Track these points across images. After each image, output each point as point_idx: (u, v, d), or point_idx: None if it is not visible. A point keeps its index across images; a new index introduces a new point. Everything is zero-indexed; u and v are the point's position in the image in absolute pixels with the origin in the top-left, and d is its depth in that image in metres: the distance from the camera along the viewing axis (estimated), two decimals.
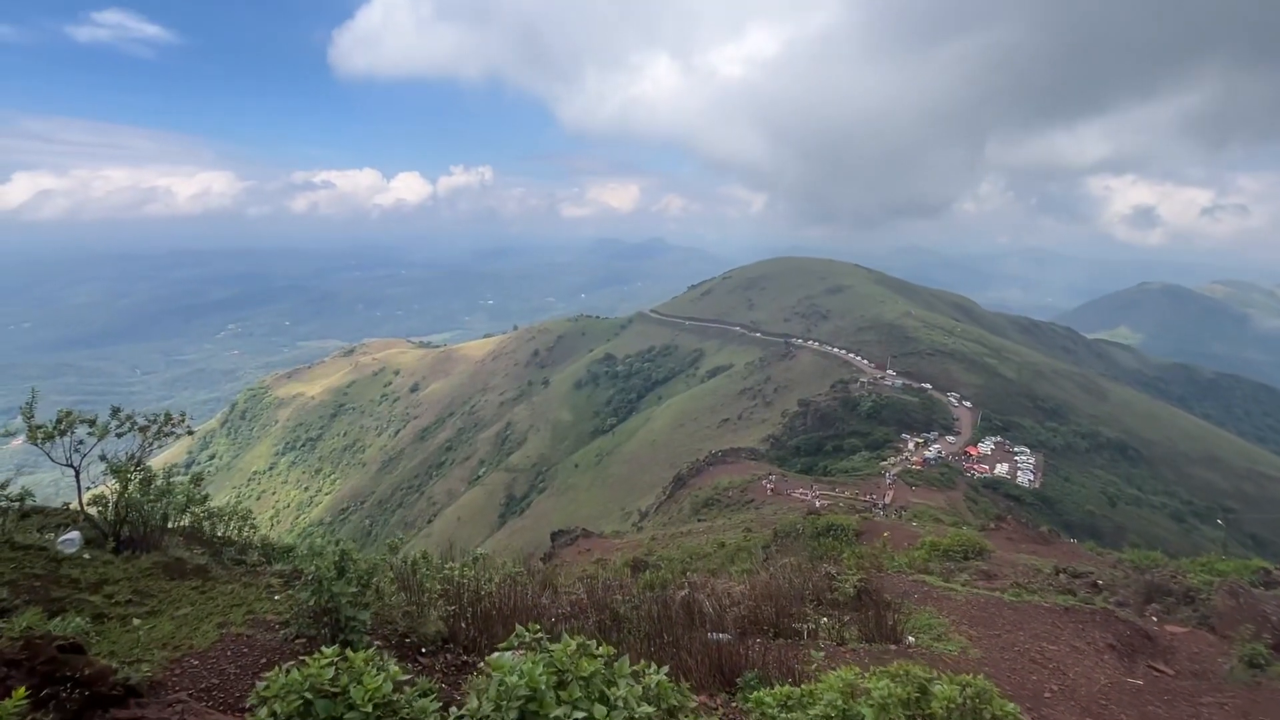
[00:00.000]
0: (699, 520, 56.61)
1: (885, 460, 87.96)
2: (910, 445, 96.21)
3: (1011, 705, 2.78)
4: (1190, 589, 11.94)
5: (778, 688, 3.17)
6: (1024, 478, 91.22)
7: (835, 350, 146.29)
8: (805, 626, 7.18)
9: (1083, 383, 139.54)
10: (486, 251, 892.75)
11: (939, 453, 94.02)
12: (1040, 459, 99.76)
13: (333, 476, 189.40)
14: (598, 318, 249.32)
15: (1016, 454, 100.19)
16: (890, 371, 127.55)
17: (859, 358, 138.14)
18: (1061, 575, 17.38)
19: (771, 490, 64.64)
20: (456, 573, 5.84)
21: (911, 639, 7.10)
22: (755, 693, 3.14)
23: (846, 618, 7.46)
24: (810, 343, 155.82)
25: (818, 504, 51.83)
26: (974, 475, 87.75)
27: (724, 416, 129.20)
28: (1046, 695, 6.27)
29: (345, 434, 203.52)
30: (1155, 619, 11.10)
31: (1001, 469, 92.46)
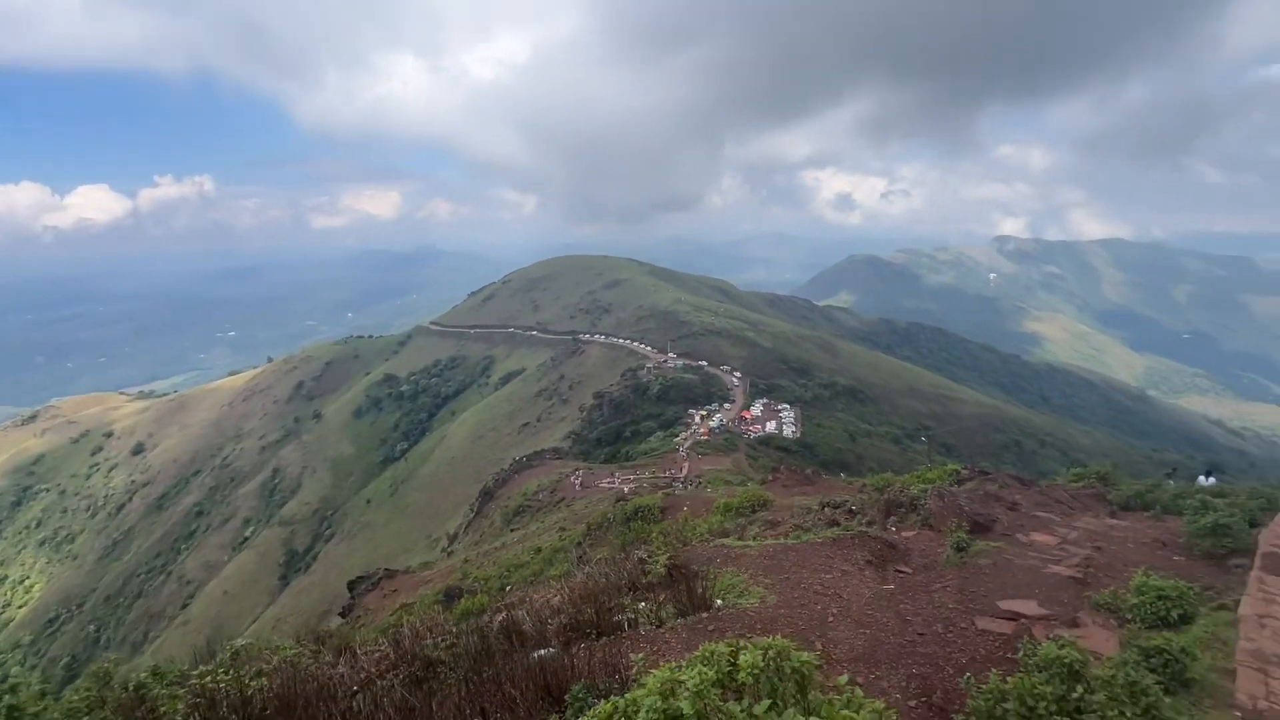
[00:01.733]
0: (512, 530, 55.17)
1: (678, 436, 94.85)
2: (697, 418, 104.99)
3: (807, 655, 3.03)
4: (914, 498, 14.72)
5: (602, 705, 3.08)
6: (788, 430, 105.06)
7: (621, 341, 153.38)
8: (625, 618, 7.27)
9: (820, 343, 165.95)
10: (219, 274, 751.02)
11: (721, 421, 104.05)
12: (799, 412, 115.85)
13: (28, 582, 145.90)
14: (371, 337, 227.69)
15: (780, 411, 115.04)
16: (671, 354, 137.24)
17: (643, 345, 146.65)
18: (826, 509, 20.27)
19: (580, 485, 65.54)
20: (209, 680, 4.67)
21: (719, 602, 7.62)
22: (580, 718, 3.02)
23: (662, 597, 7.73)
24: (597, 337, 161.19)
25: (625, 489, 53.89)
26: (751, 435, 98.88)
27: (523, 421, 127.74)
28: (830, 619, 7.21)
29: (40, 523, 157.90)
30: (895, 529, 13.53)
31: (770, 426, 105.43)
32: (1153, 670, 4.79)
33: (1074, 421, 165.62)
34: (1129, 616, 6.49)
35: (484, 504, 77.02)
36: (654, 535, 11.47)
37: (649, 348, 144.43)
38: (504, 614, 8.67)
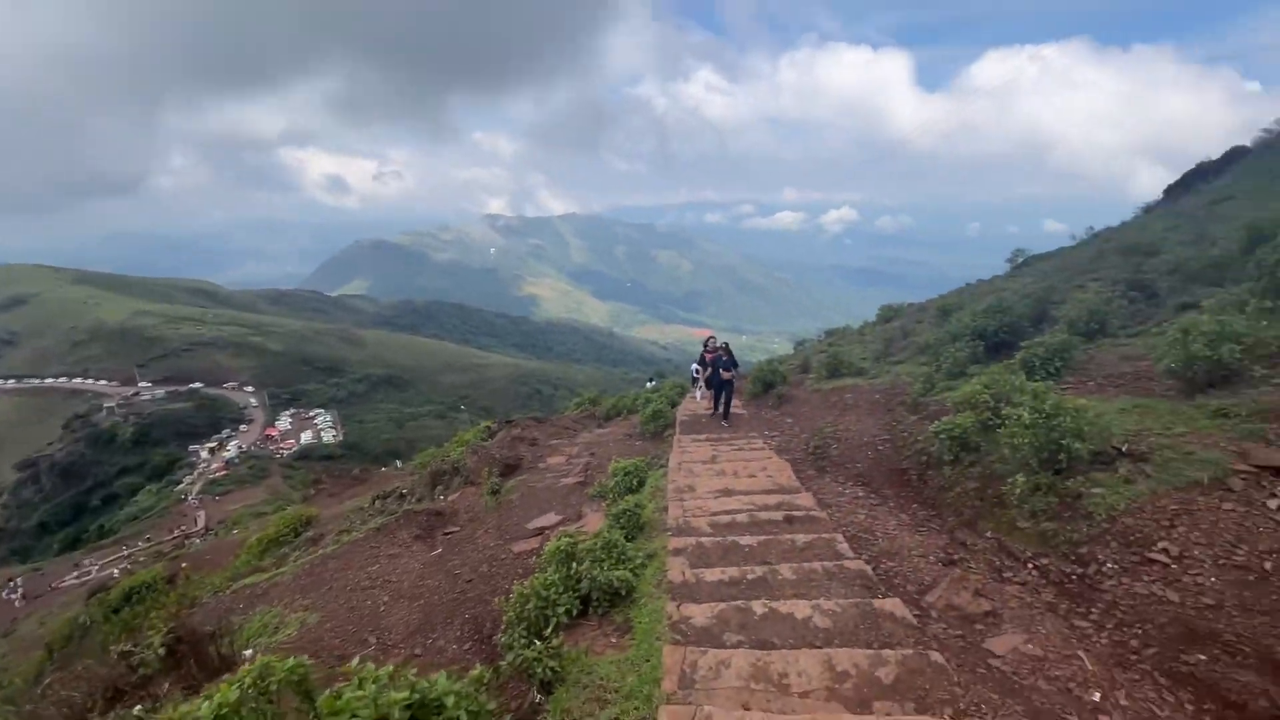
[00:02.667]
0: None
1: (181, 484, 75.61)
2: (204, 454, 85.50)
3: (294, 661, 2.83)
4: (455, 462, 15.54)
5: None
6: (329, 436, 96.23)
7: (49, 381, 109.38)
8: None
9: (343, 336, 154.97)
10: None
11: (240, 448, 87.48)
12: (336, 414, 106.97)
13: None
14: None
15: (315, 418, 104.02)
16: (145, 384, 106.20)
17: (91, 380, 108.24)
18: (377, 502, 19.51)
19: (24, 598, 45.15)
20: None
21: (249, 651, 6.45)
22: None
23: (166, 686, 6.05)
24: None
25: (112, 574, 39.72)
26: (284, 454, 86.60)
27: None
28: (382, 609, 7.03)
29: None
30: (443, 497, 14.05)
31: (306, 436, 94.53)
32: (622, 527, 6.43)
33: (573, 363, 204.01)
34: (613, 496, 8.52)
35: None
36: (153, 615, 8.80)
37: (104, 382, 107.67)
38: None
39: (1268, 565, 4.09)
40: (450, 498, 13.01)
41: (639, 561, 5.48)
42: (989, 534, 5.77)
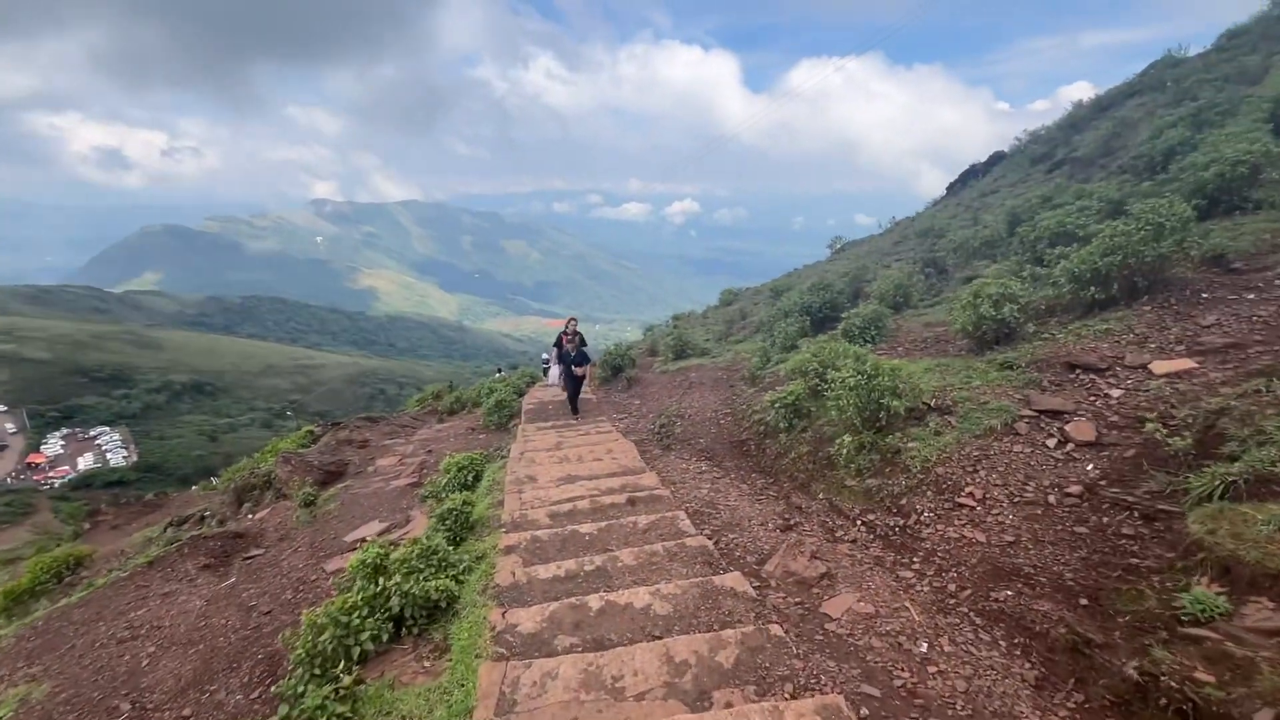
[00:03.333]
0: None
1: None
2: None
3: None
4: (267, 474, 13.48)
5: None
6: (116, 458, 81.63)
7: None
8: None
9: (133, 339, 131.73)
10: None
11: None
12: (126, 431, 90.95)
13: None
14: None
15: (96, 438, 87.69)
16: None
17: None
18: (170, 529, 16.50)
19: None
20: None
21: None
22: None
23: None
24: None
25: None
26: (54, 484, 72.02)
27: None
28: (145, 663, 5.61)
29: None
30: (251, 515, 12.07)
31: (86, 461, 79.52)
32: (448, 528, 5.70)
33: (420, 359, 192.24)
34: (445, 494, 7.69)
35: None
36: None
37: None
38: None
39: (1051, 499, 4.50)
40: (259, 515, 11.22)
41: (464, 566, 4.81)
42: (821, 496, 5.92)
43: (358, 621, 4.01)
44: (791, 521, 5.45)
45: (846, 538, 5.08)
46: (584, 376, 12.25)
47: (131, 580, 7.39)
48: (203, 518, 14.55)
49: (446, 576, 4.48)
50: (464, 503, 5.82)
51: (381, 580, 4.23)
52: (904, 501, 5.10)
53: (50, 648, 6.11)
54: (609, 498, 6.08)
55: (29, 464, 77.27)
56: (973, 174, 33.55)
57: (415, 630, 4.17)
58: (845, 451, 5.81)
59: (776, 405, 7.56)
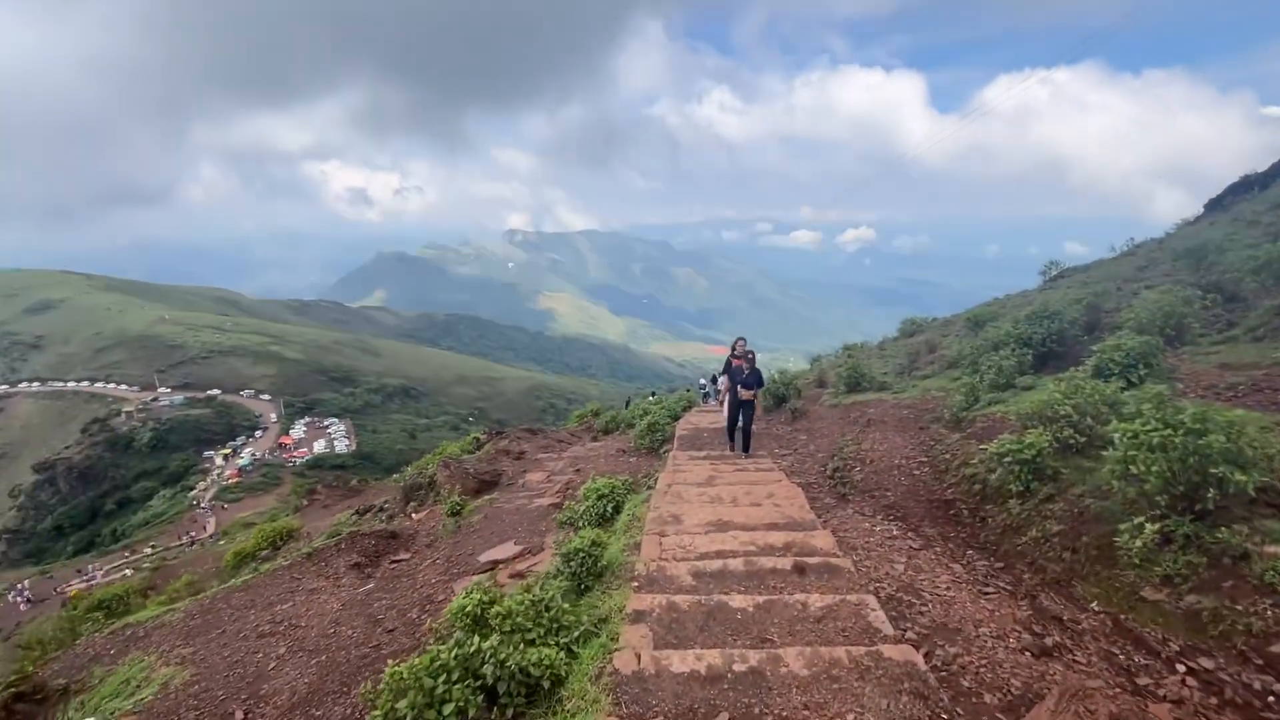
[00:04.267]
0: None
1: (194, 489, 75.40)
2: (219, 460, 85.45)
3: None
4: (432, 476, 13.98)
5: None
6: (341, 445, 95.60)
7: (71, 385, 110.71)
8: None
9: (360, 347, 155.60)
10: None
11: (254, 455, 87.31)
12: (349, 424, 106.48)
13: None
14: None
15: (328, 427, 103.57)
16: (164, 389, 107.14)
17: (114, 385, 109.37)
18: (355, 516, 18.00)
19: (28, 601, 44.36)
20: None
21: (91, 719, 4.87)
22: None
23: None
24: (24, 385, 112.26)
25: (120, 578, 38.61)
26: (296, 462, 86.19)
27: None
28: (273, 665, 5.43)
29: None
30: (412, 514, 12.47)
31: (319, 446, 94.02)
32: (571, 573, 4.79)
33: (588, 378, 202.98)
34: (583, 523, 6.90)
35: None
36: (23, 655, 7.31)
37: (126, 387, 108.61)
38: None
39: None
40: (419, 515, 11.42)
41: (581, 631, 3.81)
42: (1096, 607, 3.99)
43: (444, 688, 3.18)
44: (1049, 641, 3.67)
45: (1161, 690, 3.20)
46: (753, 403, 9.82)
47: (289, 570, 7.59)
48: (383, 508, 15.59)
49: (556, 644, 3.52)
50: (594, 543, 4.89)
51: (478, 639, 3.39)
52: (1276, 649, 3.10)
53: (206, 629, 6.29)
54: (770, 559, 4.76)
55: (281, 444, 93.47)
56: (1244, 187, 27.00)
57: (510, 711, 3.25)
58: (1142, 544, 3.85)
59: (1006, 460, 5.64)
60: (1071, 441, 5.30)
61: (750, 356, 9.80)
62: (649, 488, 8.17)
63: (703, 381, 24.15)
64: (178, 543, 55.80)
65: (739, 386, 9.56)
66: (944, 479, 6.92)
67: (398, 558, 8.42)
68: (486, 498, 10.55)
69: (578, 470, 11.29)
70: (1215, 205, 28.89)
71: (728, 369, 10.29)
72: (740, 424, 9.68)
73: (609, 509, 6.71)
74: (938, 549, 5.38)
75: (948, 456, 7.13)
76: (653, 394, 25.32)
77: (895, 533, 5.74)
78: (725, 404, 10.39)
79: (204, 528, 60.82)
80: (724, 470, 8.24)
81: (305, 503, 32.23)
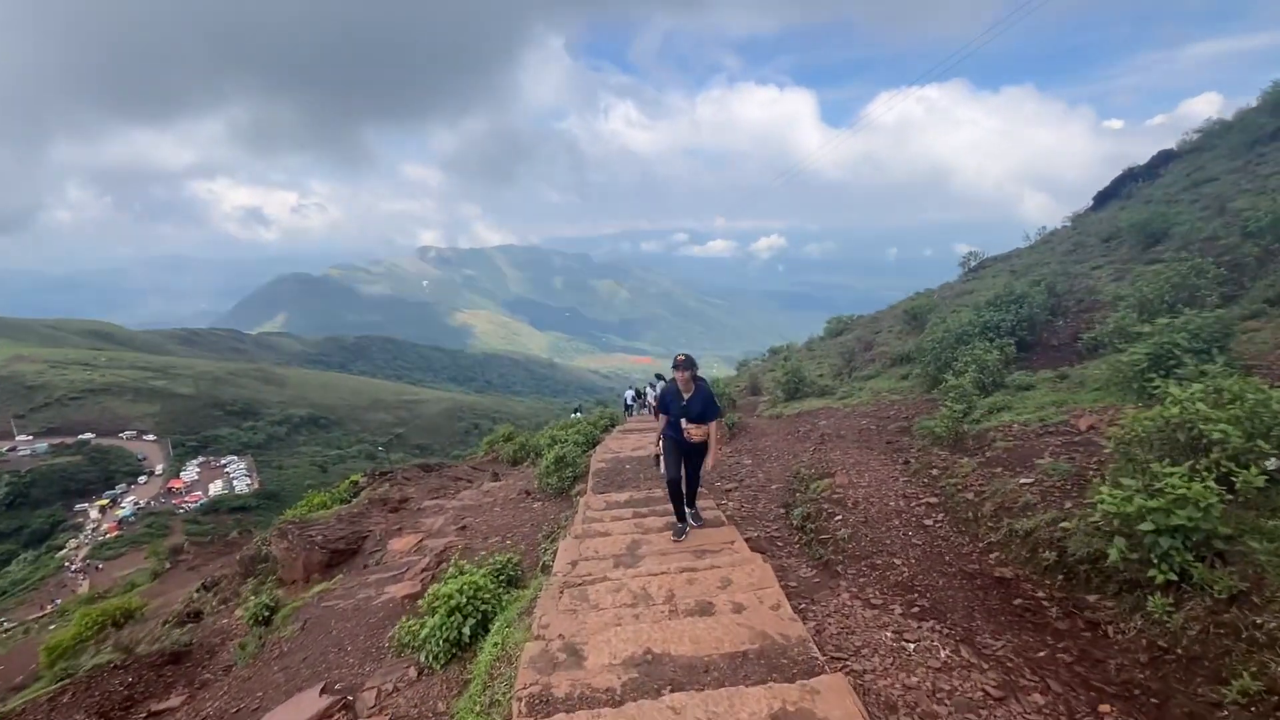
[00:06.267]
0: None
1: (64, 548, 65.78)
2: (94, 513, 75.57)
3: None
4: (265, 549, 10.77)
5: None
6: (241, 485, 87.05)
7: None
8: None
9: (261, 376, 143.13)
10: None
11: (136, 504, 77.63)
12: (250, 460, 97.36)
13: None
14: None
15: (226, 466, 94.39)
16: (23, 437, 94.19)
17: None
18: (197, 593, 14.26)
19: None
20: None
21: None
22: None
23: None
24: None
25: None
26: (188, 508, 77.32)
27: None
28: None
29: None
30: (226, 610, 9.30)
31: (216, 487, 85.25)
32: None
33: (512, 395, 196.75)
34: (426, 650, 4.31)
35: None
36: None
37: None
38: None
39: None
40: (237, 612, 8.31)
41: None
42: None
43: None
44: None
45: None
46: (706, 443, 5.74)
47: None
48: (217, 587, 12.06)
49: None
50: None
51: None
52: None
53: None
54: None
55: (169, 489, 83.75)
56: (1130, 178, 28.42)
57: None
58: None
59: (1147, 531, 3.54)
60: (1243, 490, 3.30)
61: (693, 372, 5.67)
62: (541, 569, 5.62)
63: (629, 393, 21.94)
64: (40, 613, 47.87)
65: (681, 420, 5.56)
66: (977, 535, 4.80)
67: (162, 706, 5.45)
68: (335, 578, 7.67)
69: (463, 528, 8.61)
70: (1106, 197, 29.71)
71: (661, 397, 6.08)
72: (685, 481, 5.80)
73: (461, 633, 4.19)
74: (1038, 696, 3.09)
75: (969, 496, 5.07)
76: (578, 410, 22.81)
77: (942, 653, 3.48)
78: (660, 449, 6.26)
79: (74, 591, 52.63)
80: (651, 532, 5.78)
81: (169, 565, 27.27)
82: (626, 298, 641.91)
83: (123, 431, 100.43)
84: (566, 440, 10.69)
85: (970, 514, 5.10)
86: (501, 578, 4.83)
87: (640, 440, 11.40)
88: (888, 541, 5.04)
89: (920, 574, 4.53)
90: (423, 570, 6.87)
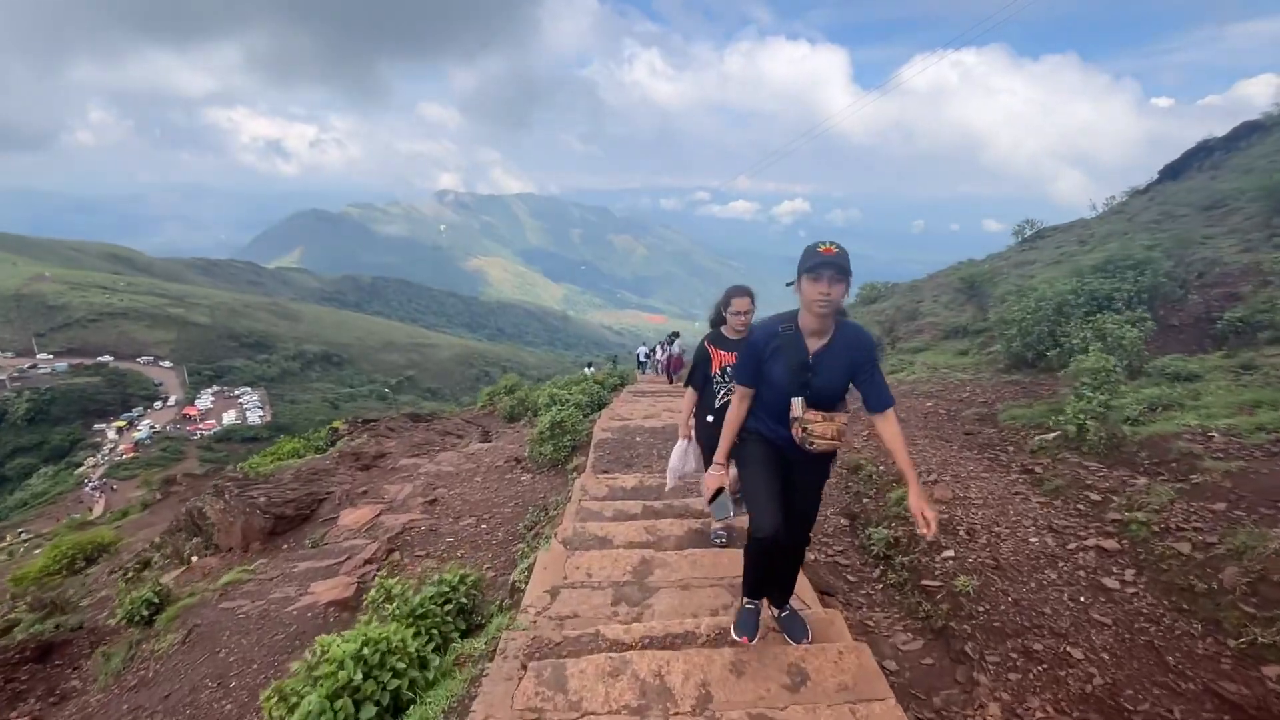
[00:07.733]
0: None
1: (81, 465, 66.91)
2: (111, 434, 76.89)
3: None
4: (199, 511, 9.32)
5: None
6: (254, 416, 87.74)
7: None
8: None
9: (276, 310, 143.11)
10: None
11: (152, 428, 78.66)
12: (264, 393, 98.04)
13: None
14: None
15: (239, 396, 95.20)
16: (44, 355, 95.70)
17: None
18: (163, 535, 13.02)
19: None
20: None
21: None
22: None
23: None
24: None
25: None
26: (201, 435, 78.30)
27: None
28: None
29: None
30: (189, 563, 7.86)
31: (230, 417, 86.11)
32: None
33: (524, 345, 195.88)
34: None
35: None
36: None
37: None
38: None
39: None
40: (169, 576, 6.88)
41: None
42: None
43: None
44: None
45: None
46: (832, 455, 2.56)
47: None
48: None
49: None
50: None
51: None
52: None
53: None
54: None
55: (184, 415, 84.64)
56: (1204, 151, 26.47)
57: None
58: None
59: None
60: None
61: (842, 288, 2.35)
62: (510, 592, 3.88)
63: (642, 349, 20.30)
64: (56, 525, 48.70)
65: (797, 402, 2.35)
66: (1219, 622, 2.87)
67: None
68: (279, 553, 6.15)
69: (432, 501, 6.99)
70: (1177, 170, 27.57)
71: (699, 360, 4.00)
72: (777, 536, 2.35)
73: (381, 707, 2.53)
74: None
75: (1183, 549, 2.97)
76: (590, 365, 21.23)
77: None
78: (696, 459, 3.78)
79: (90, 509, 53.51)
80: (668, 545, 3.89)
81: (159, 496, 26.41)
82: (643, 255, 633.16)
83: (140, 356, 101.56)
84: (567, 401, 9.03)
85: (1195, 581, 3.14)
86: (447, 609, 3.18)
87: (653, 405, 9.70)
88: (1047, 610, 3.16)
89: (1126, 682, 2.66)
90: (366, 562, 5.33)
